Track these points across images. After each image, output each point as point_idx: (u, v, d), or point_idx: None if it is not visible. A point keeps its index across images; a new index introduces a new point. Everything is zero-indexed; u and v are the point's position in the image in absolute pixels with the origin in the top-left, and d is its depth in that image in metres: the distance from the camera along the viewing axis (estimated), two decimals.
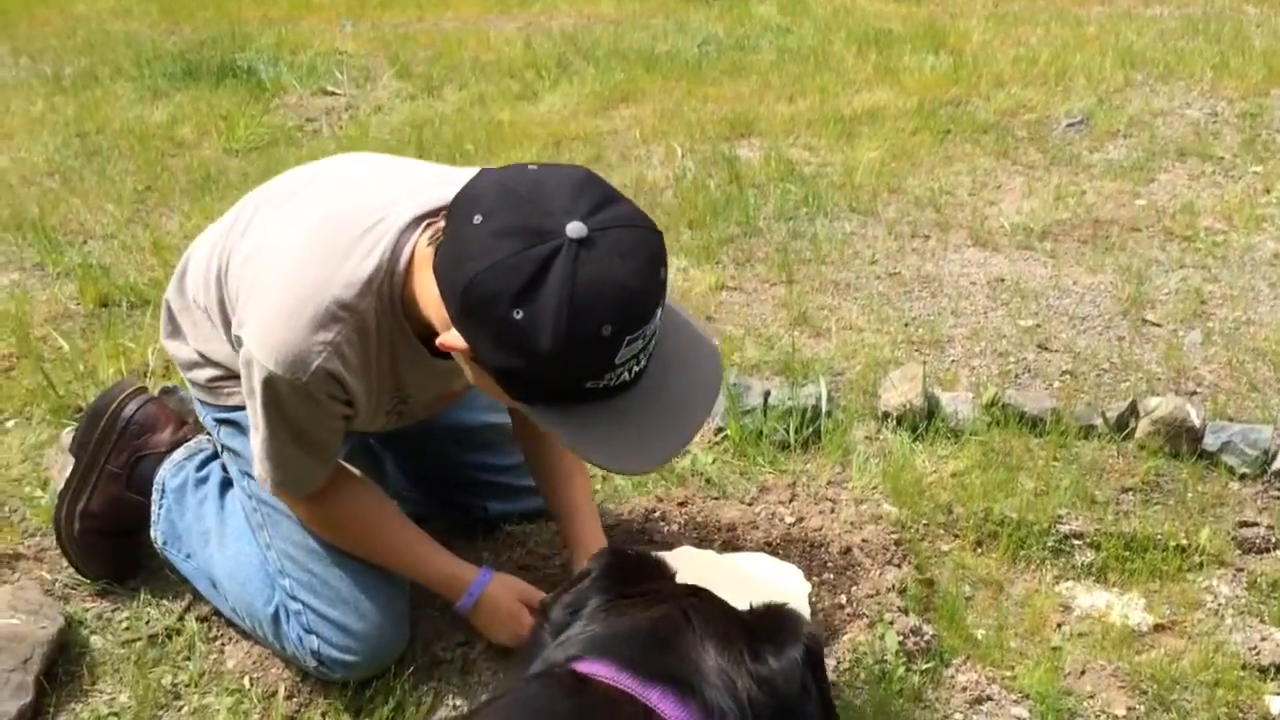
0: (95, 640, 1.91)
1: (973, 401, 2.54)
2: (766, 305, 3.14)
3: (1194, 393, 2.73)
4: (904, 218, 3.78)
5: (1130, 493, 2.33)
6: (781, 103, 4.95)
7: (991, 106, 4.85)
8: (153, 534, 1.91)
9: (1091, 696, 1.80)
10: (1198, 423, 2.42)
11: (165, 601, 1.99)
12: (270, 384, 1.50)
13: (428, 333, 1.50)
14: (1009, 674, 1.84)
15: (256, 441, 1.60)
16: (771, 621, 1.13)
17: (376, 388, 1.60)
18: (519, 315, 1.28)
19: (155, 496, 1.90)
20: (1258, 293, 3.24)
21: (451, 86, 5.18)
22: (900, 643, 1.83)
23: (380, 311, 1.52)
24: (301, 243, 1.56)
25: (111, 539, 1.97)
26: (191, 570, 1.88)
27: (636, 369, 1.37)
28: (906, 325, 3.04)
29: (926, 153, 4.37)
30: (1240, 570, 2.10)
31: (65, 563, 2.01)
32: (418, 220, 1.52)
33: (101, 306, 3.01)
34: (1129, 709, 1.77)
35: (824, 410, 2.48)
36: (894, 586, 1.95)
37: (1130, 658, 1.88)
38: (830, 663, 1.80)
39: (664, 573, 1.23)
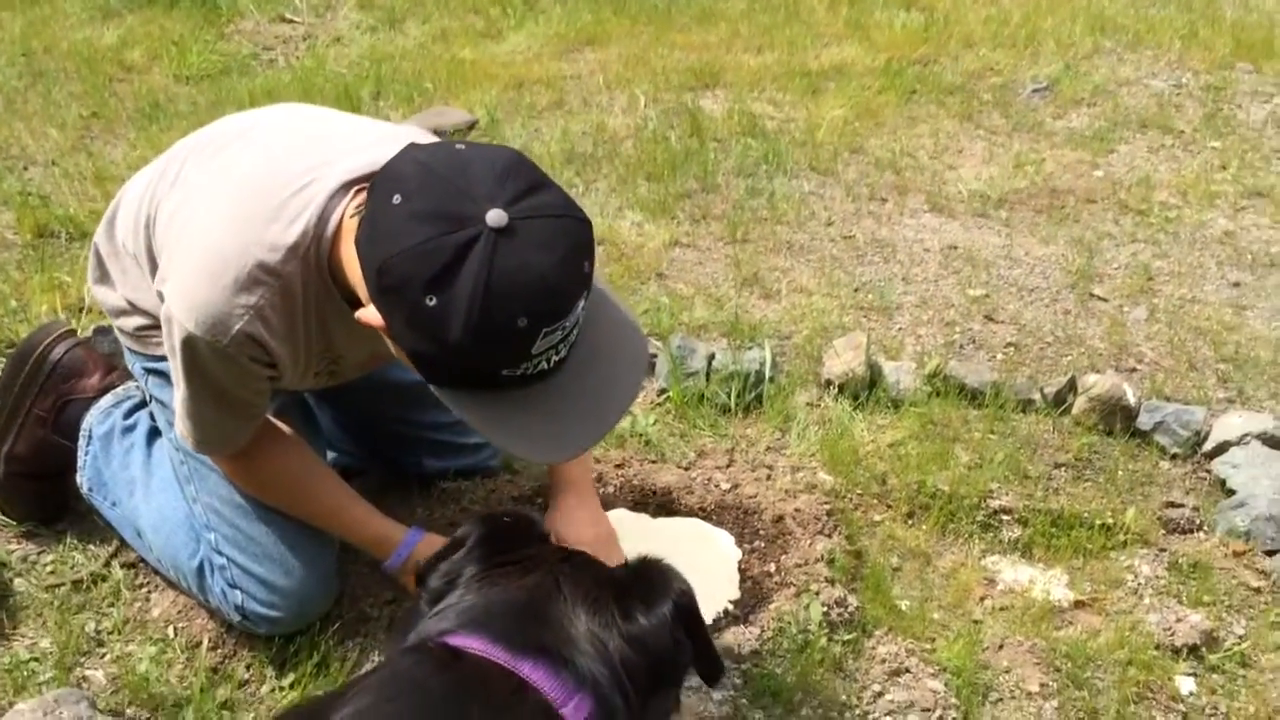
0: (19, 583, 1.90)
1: (915, 372, 2.56)
2: (719, 264, 3.13)
3: (1134, 370, 2.76)
4: (863, 179, 3.76)
5: (1063, 468, 2.36)
6: (749, 53, 4.89)
7: (959, 67, 4.82)
8: (78, 479, 1.89)
9: (1007, 671, 1.84)
10: (1133, 401, 2.45)
11: (92, 546, 1.97)
12: (190, 344, 1.48)
13: (355, 297, 1.47)
14: (929, 646, 1.87)
15: (177, 400, 1.58)
16: (643, 580, 1.14)
17: (304, 350, 1.57)
18: (432, 302, 1.26)
19: (82, 442, 1.88)
20: (1205, 270, 3.27)
21: (414, 20, 5.07)
22: (825, 613, 1.85)
23: (306, 276, 1.49)
24: (228, 202, 1.52)
25: (37, 481, 1.94)
26: (117, 518, 1.87)
27: (555, 358, 1.35)
28: (857, 290, 3.04)
29: (891, 113, 4.35)
30: (1163, 550, 2.14)
31: None
32: (347, 186, 1.49)
33: (39, 237, 2.94)
34: (1042, 685, 1.81)
35: (767, 376, 2.48)
36: (822, 557, 1.97)
37: (1048, 634, 1.92)
38: (754, 631, 1.83)
39: (539, 535, 1.23)
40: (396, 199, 1.28)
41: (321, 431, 1.99)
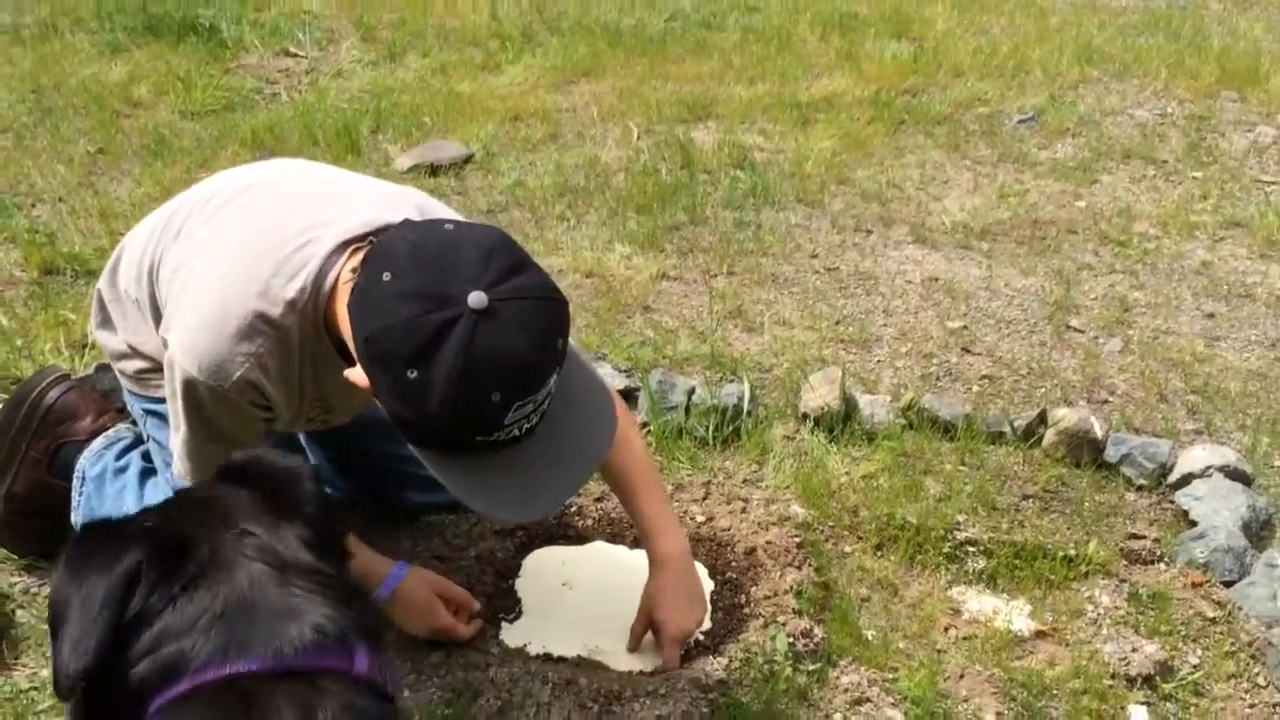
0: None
1: (890, 405, 2.63)
2: (704, 297, 3.21)
3: (1105, 402, 2.83)
4: (849, 210, 3.85)
5: (1031, 500, 2.44)
6: (741, 85, 4.99)
7: (947, 98, 4.91)
8: (73, 519, 1.98)
9: (965, 700, 1.91)
10: (1100, 434, 2.52)
11: None
12: (191, 387, 1.57)
13: (348, 350, 1.56)
14: (891, 676, 1.94)
15: (177, 441, 1.66)
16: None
17: (299, 396, 1.67)
18: (413, 375, 1.36)
19: (76, 484, 1.97)
20: (1180, 302, 3.34)
21: (415, 53, 5.19)
22: (790, 644, 1.93)
23: (303, 328, 1.59)
24: (231, 256, 1.62)
25: (36, 519, 2.03)
26: None
27: (527, 426, 1.45)
28: (838, 323, 3.12)
29: (879, 143, 4.44)
30: (1124, 581, 2.21)
31: None
32: (343, 245, 1.59)
33: (46, 274, 3.04)
34: (998, 714, 1.88)
35: (745, 410, 2.57)
36: (791, 588, 2.05)
37: (1007, 663, 1.99)
38: (723, 661, 1.90)
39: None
40: (387, 276, 1.39)
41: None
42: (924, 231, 3.72)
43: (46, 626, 1.95)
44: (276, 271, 1.56)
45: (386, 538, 2.13)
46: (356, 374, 1.46)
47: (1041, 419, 2.60)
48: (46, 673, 1.87)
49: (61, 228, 3.30)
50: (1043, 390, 2.86)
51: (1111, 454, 2.52)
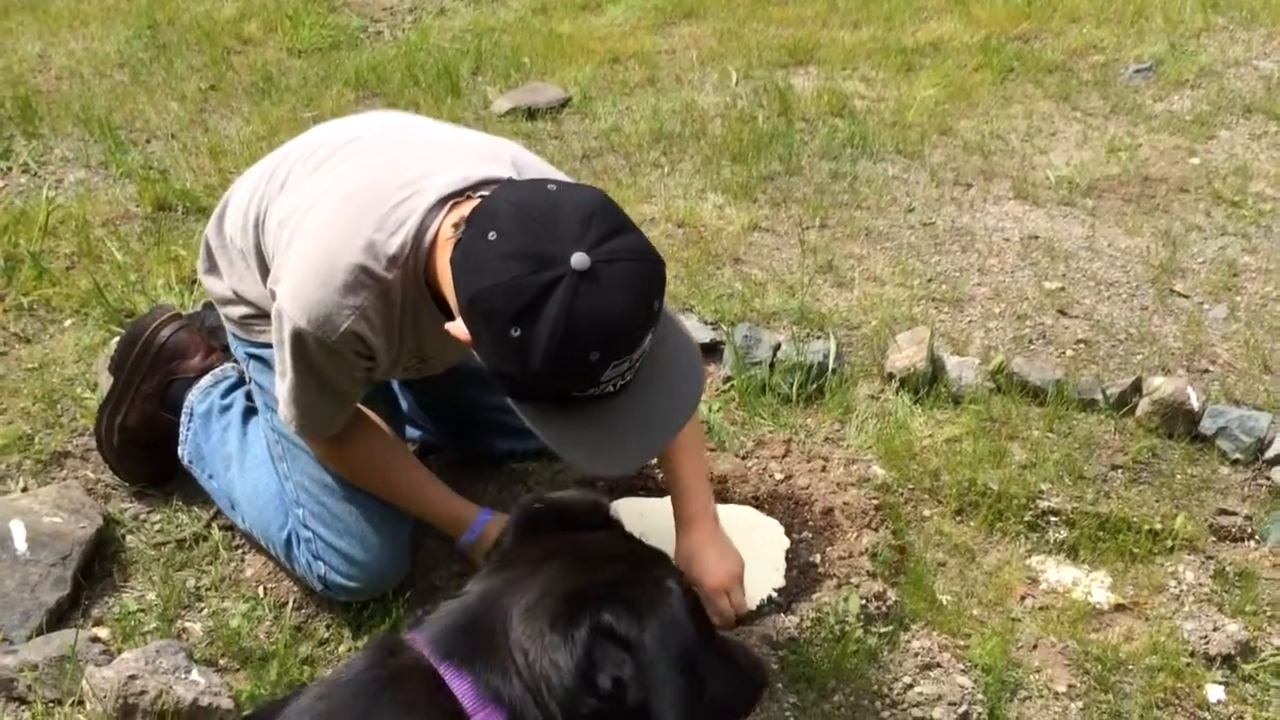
0: (130, 540, 2.10)
1: (978, 368, 2.60)
2: (796, 250, 3.19)
3: (1206, 371, 2.75)
4: (949, 163, 3.77)
5: (1119, 470, 2.40)
6: (845, 29, 4.88)
7: (1060, 45, 4.74)
8: (180, 452, 2.08)
9: (1037, 671, 1.91)
10: (1196, 405, 2.46)
11: (195, 509, 2.17)
12: (299, 338, 1.64)
13: (446, 304, 1.61)
14: (963, 643, 1.95)
15: (283, 388, 1.74)
16: (608, 586, 1.16)
17: (399, 346, 1.73)
18: (516, 333, 1.41)
19: (184, 419, 2.07)
20: None
21: None
22: (863, 606, 1.95)
23: (405, 282, 1.64)
24: (335, 212, 1.68)
25: (148, 449, 2.14)
26: (214, 489, 2.06)
27: (621, 383, 1.50)
28: (930, 281, 3.08)
29: (985, 92, 4.32)
30: (1210, 558, 2.17)
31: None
32: (442, 200, 1.63)
33: (159, 210, 3.16)
34: (1070, 686, 1.88)
35: (830, 368, 2.56)
36: (867, 550, 2.06)
37: (1083, 636, 1.98)
38: (794, 619, 1.93)
39: (582, 521, 1.29)
40: (491, 235, 1.44)
41: (403, 415, 2.15)
42: (1026, 187, 3.62)
43: (152, 551, 2.08)
44: (379, 226, 1.62)
45: (472, 482, 2.20)
46: (458, 328, 1.51)
47: (1136, 387, 2.55)
48: (152, 596, 1.99)
49: (174, 164, 3.42)
50: (1140, 357, 2.79)
51: (1208, 426, 2.46)
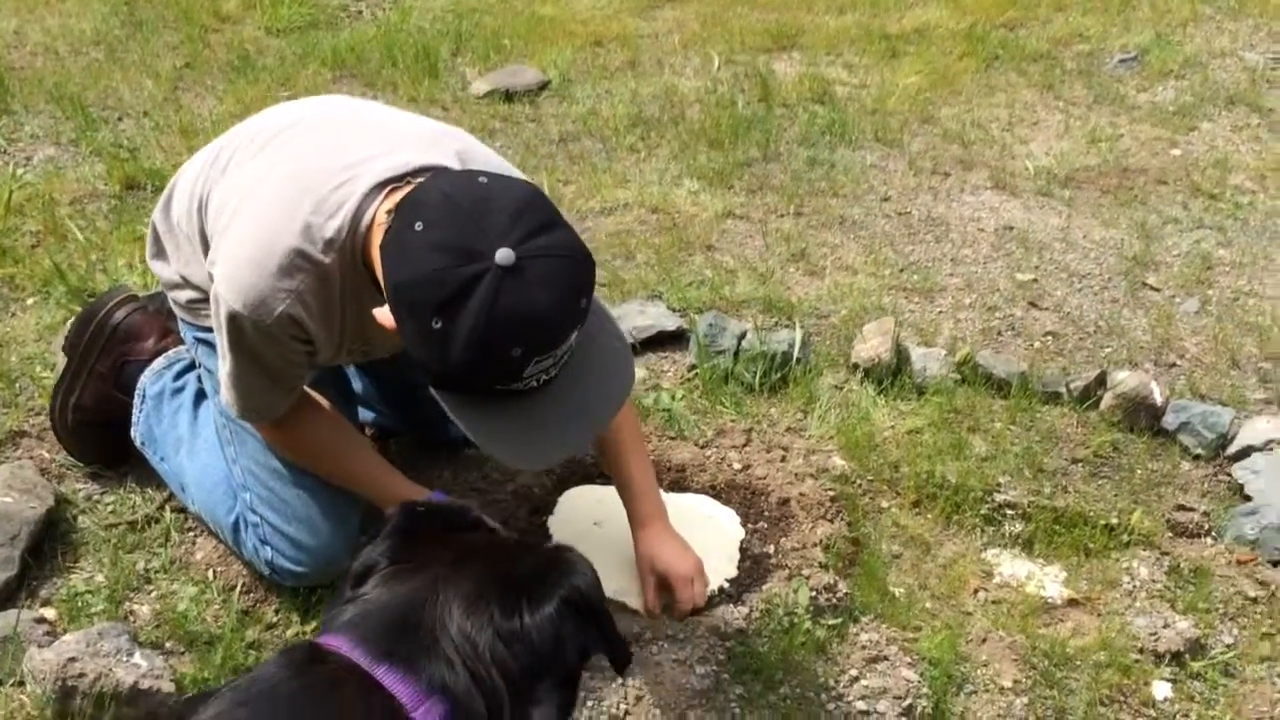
0: (82, 520, 2.09)
1: (944, 358, 2.59)
2: (770, 237, 3.18)
3: (1173, 365, 2.75)
4: (928, 151, 3.75)
5: (1079, 464, 2.39)
6: (830, 14, 4.86)
7: (1046, 33, 4.72)
8: (133, 434, 2.07)
9: (985, 665, 1.91)
10: (1159, 400, 2.45)
11: (149, 491, 2.15)
12: (235, 320, 1.62)
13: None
14: (912, 635, 1.95)
15: (223, 372, 1.73)
16: (538, 574, 1.18)
17: (339, 331, 1.71)
18: (438, 325, 1.40)
19: (136, 400, 2.05)
20: (1270, 262, 3.20)
21: None
22: (813, 598, 1.94)
23: (343, 266, 1.62)
24: (273, 194, 1.66)
25: (102, 430, 2.13)
26: (165, 471, 2.04)
27: (545, 379, 1.48)
28: (902, 271, 3.07)
29: (969, 80, 4.30)
30: (1166, 554, 2.16)
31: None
32: (380, 185, 1.61)
33: (128, 189, 3.14)
34: (1015, 681, 1.88)
35: (795, 357, 2.55)
36: (820, 542, 2.05)
37: (1033, 630, 1.98)
38: (744, 610, 1.93)
39: (456, 523, 1.29)
40: (419, 225, 1.42)
41: (355, 401, 2.13)
42: (1004, 176, 3.61)
43: (104, 533, 2.07)
44: (316, 209, 1.60)
45: (428, 467, 2.19)
46: (384, 314, 1.49)
47: (1100, 381, 2.54)
48: (100, 577, 1.98)
49: (145, 143, 3.39)
50: (1108, 350, 2.79)
51: (1170, 421, 2.45)
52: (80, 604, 1.92)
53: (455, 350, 1.39)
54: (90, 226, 2.92)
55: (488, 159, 1.76)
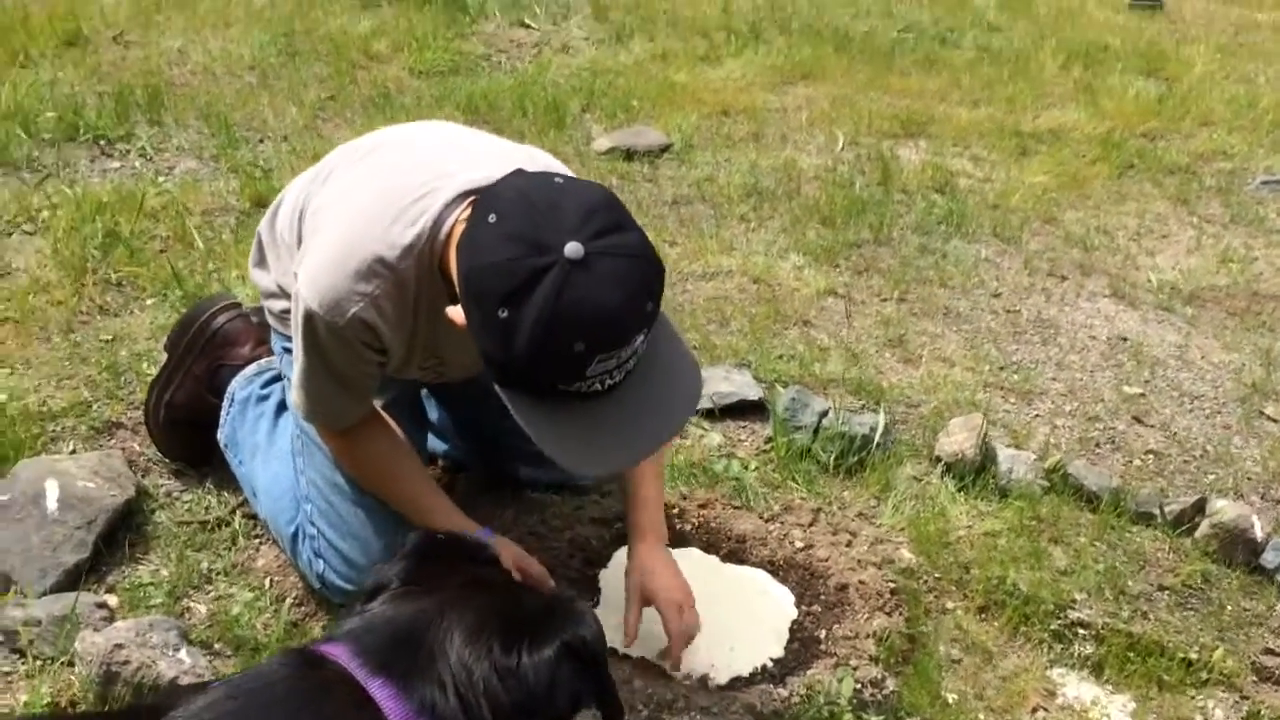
0: (158, 514, 2.16)
1: (1033, 463, 2.51)
2: (869, 320, 3.14)
3: None
4: (1046, 252, 3.67)
5: (1166, 591, 2.27)
6: (964, 106, 4.82)
7: (1188, 147, 4.60)
8: (219, 435, 2.14)
9: None
10: (1260, 535, 2.32)
11: (226, 494, 2.22)
12: (310, 320, 1.68)
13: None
14: None
15: (295, 371, 1.78)
16: (544, 617, 1.18)
17: (410, 341, 1.75)
18: (504, 314, 1.43)
19: (225, 403, 2.13)
20: None
21: (641, 37, 5.26)
22: (857, 690, 1.88)
23: (419, 273, 1.67)
24: (360, 201, 1.73)
25: (191, 429, 2.21)
26: (241, 475, 2.11)
27: (610, 382, 1.50)
28: (1002, 369, 2.99)
29: (1099, 186, 4.21)
30: (1246, 698, 2.03)
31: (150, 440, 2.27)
32: (462, 196, 1.66)
33: (257, 206, 3.27)
34: None
35: (876, 442, 2.50)
36: (875, 634, 1.99)
37: None
38: (783, 692, 1.87)
39: (480, 558, 1.29)
40: (492, 218, 1.47)
41: (426, 429, 2.17)
42: (1124, 286, 3.50)
43: (176, 529, 2.14)
44: (398, 218, 1.65)
45: (491, 505, 2.21)
46: (455, 311, 1.54)
47: (1199, 508, 2.42)
48: (166, 572, 2.04)
49: (279, 165, 3.55)
50: (1213, 478, 2.65)
51: (1270, 559, 2.31)
52: (141, 595, 1.98)
53: (519, 342, 1.42)
54: (216, 238, 3.06)
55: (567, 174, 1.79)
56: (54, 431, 2.31)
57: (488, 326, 1.46)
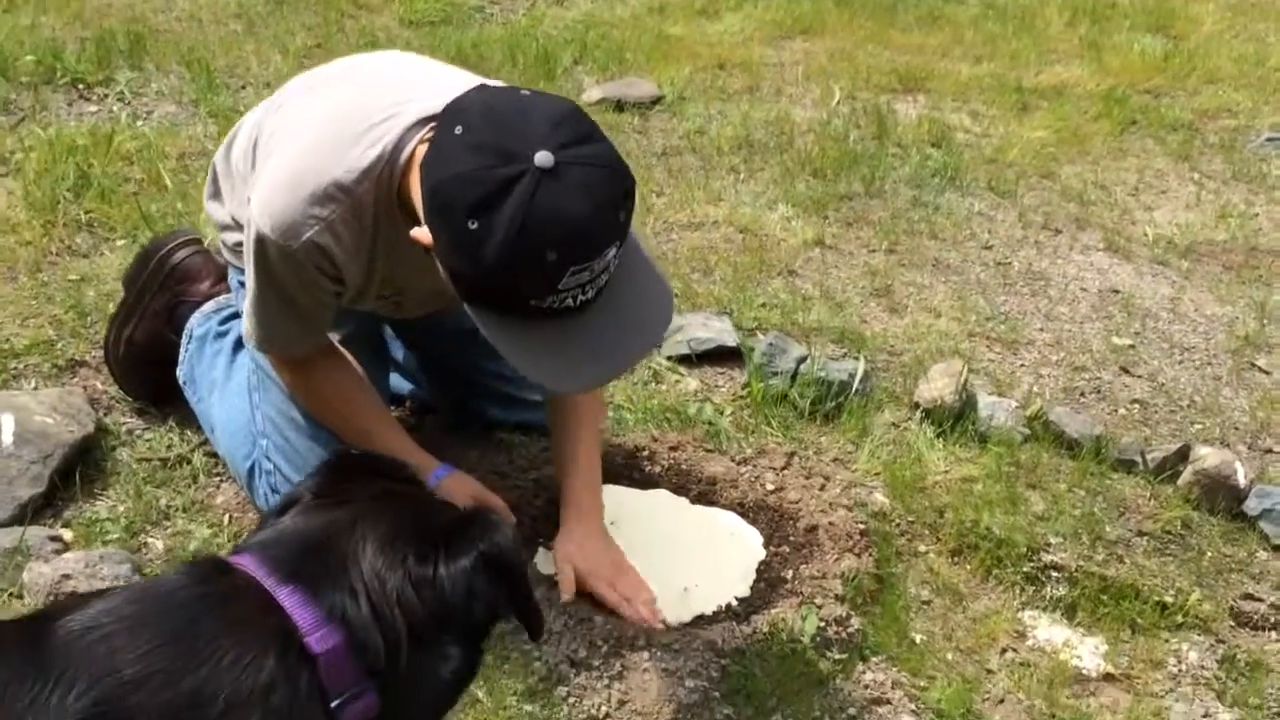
0: (119, 452, 2.14)
1: (1013, 410, 2.46)
2: (855, 271, 3.09)
3: (1269, 451, 2.55)
4: (1042, 206, 3.60)
5: (1144, 537, 2.23)
6: (965, 62, 4.73)
7: (1192, 104, 4.51)
8: (178, 372, 2.11)
9: None
10: (1242, 482, 2.27)
11: (188, 432, 2.19)
12: (262, 243, 1.64)
13: (419, 223, 1.59)
14: (923, 684, 1.83)
15: (247, 299, 1.74)
16: (460, 528, 1.15)
17: (367, 271, 1.71)
18: (473, 225, 1.40)
19: (184, 340, 2.09)
20: None
21: None
22: (821, 629, 1.84)
23: (377, 198, 1.63)
24: (317, 125, 1.69)
25: (151, 366, 2.17)
26: (200, 412, 2.07)
27: (582, 298, 1.47)
28: (989, 319, 2.93)
29: (1099, 142, 4.13)
30: (1222, 642, 1.99)
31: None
32: (423, 121, 1.62)
33: None
34: None
35: (854, 388, 2.45)
36: (842, 574, 1.95)
37: (1057, 699, 1.84)
38: (746, 629, 1.83)
39: (391, 474, 1.25)
40: (459, 129, 1.44)
41: (388, 365, 2.13)
42: (1119, 240, 3.44)
43: (136, 466, 2.11)
44: (356, 141, 1.61)
45: (458, 446, 2.17)
46: (421, 232, 1.50)
47: (1182, 455, 2.37)
48: (124, 508, 2.01)
49: None
50: (1199, 427, 2.60)
51: (1253, 506, 2.27)
52: (98, 530, 1.96)
53: (489, 252, 1.39)
54: (191, 181, 3.01)
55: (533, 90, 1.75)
56: (16, 369, 2.28)
57: (457, 241, 1.43)
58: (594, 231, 1.42)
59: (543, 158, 1.38)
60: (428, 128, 1.60)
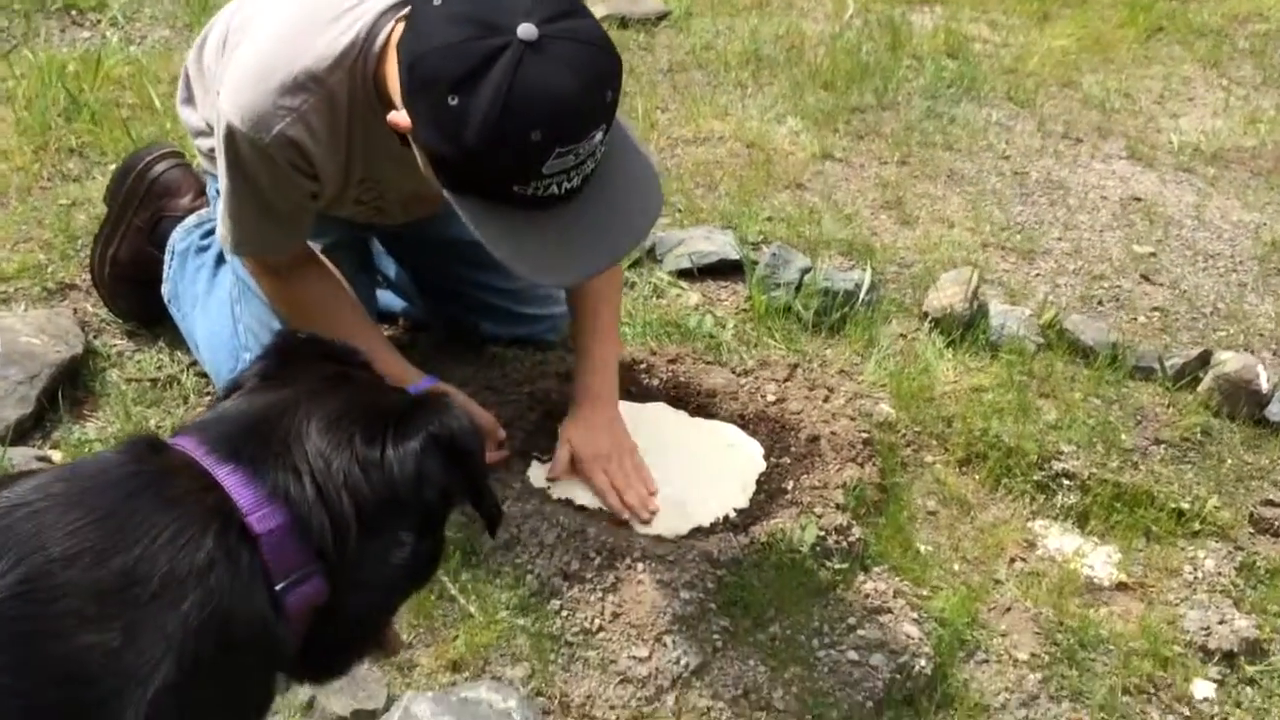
0: (109, 373, 2.10)
1: (1026, 319, 2.38)
2: (866, 183, 2.99)
3: None
4: (1062, 115, 3.48)
5: (1162, 445, 2.16)
6: None
7: (1221, 8, 4.34)
8: (163, 290, 2.06)
9: (1003, 635, 1.73)
10: (1265, 386, 2.19)
11: (179, 353, 2.15)
12: (232, 137, 1.57)
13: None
14: (926, 593, 1.78)
15: (221, 199, 1.68)
16: (408, 410, 1.09)
17: (345, 167, 1.65)
18: (454, 101, 1.34)
19: (167, 256, 2.04)
20: None
21: None
22: (821, 538, 1.78)
23: (352, 89, 1.56)
24: (287, 12, 1.62)
25: (138, 285, 2.13)
26: (185, 329, 2.03)
27: (568, 185, 1.41)
28: (1004, 229, 2.84)
29: (1124, 49, 3.98)
30: (1240, 549, 1.93)
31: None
32: (399, 5, 1.55)
33: None
34: (1033, 655, 1.69)
35: (860, 299, 2.38)
36: (844, 484, 1.89)
37: (1066, 607, 1.78)
38: (743, 540, 1.78)
39: (342, 359, 1.20)
40: (437, 1, 1.36)
41: (374, 281, 2.08)
42: (1143, 148, 3.32)
43: (126, 387, 2.08)
44: (327, 28, 1.55)
45: (450, 362, 2.12)
46: (398, 115, 1.44)
47: (1203, 360, 2.29)
48: (114, 429, 1.98)
49: None
50: (1222, 334, 2.52)
51: (1275, 411, 2.19)
52: (86, 450, 1.92)
53: (471, 131, 1.33)
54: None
55: None
56: (5, 293, 2.24)
57: (437, 119, 1.37)
58: (579, 111, 1.35)
59: (526, 30, 1.31)
60: (403, 12, 1.53)
